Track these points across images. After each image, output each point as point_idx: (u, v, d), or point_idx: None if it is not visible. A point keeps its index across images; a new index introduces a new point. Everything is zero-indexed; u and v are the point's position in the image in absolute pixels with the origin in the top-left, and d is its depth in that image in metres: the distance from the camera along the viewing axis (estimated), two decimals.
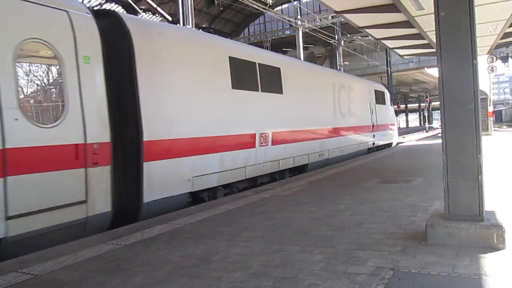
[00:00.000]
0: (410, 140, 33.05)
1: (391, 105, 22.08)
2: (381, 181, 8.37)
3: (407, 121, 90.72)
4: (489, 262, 3.40)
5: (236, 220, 5.68)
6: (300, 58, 24.39)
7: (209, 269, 3.71)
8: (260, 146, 9.64)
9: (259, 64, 9.98)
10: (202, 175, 7.73)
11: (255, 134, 9.47)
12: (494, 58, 22.65)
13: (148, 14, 36.41)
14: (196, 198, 7.78)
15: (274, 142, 10.22)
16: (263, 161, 9.75)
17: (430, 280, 3.14)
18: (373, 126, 17.94)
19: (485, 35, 11.80)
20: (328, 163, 13.30)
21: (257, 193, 7.94)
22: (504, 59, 22.80)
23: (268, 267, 3.64)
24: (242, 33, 51.25)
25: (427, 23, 9.54)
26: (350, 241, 4.28)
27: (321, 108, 13.49)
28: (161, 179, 6.83)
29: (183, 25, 13.55)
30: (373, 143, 18.30)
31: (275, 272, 3.51)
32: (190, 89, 7.74)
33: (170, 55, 7.42)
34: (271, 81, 10.54)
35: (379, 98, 19.37)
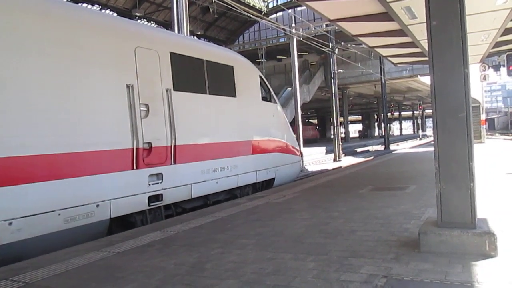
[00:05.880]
0: (404, 147, 33.22)
1: (270, 100, 11.09)
2: (375, 189, 8.39)
3: (400, 129, 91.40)
4: (482, 269, 3.41)
5: (230, 227, 5.67)
6: (294, 66, 24.45)
7: (202, 277, 3.69)
8: None
9: None
10: None
11: None
12: (486, 66, 22.84)
13: (143, 21, 36.53)
14: None
15: None
16: None
17: (423, 287, 3.14)
18: (149, 151, 6.95)
19: (477, 44, 11.93)
20: None
21: (251, 200, 7.93)
22: (496, 68, 22.94)
23: (261, 275, 3.63)
24: (237, 40, 51.50)
25: (420, 32, 9.63)
26: (344, 248, 4.28)
27: None
28: None
29: (178, 32, 13.55)
30: (153, 198, 7.05)
31: (268, 279, 3.50)
32: None
33: None
34: None
35: (204, 78, 8.43)
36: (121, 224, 6.63)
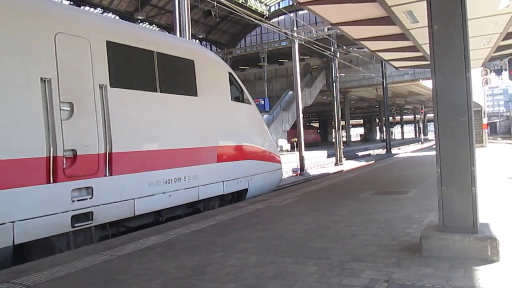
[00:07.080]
0: (406, 151, 33.20)
1: (242, 100, 9.78)
2: (376, 193, 8.38)
3: (402, 133, 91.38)
4: (483, 274, 3.40)
5: (231, 231, 5.66)
6: (296, 70, 24.51)
7: (203, 280, 3.68)
8: None
9: None
10: None
11: None
12: (488, 70, 22.85)
13: (145, 24, 36.65)
14: None
15: None
16: None
17: None
18: (73, 160, 5.67)
19: (479, 48, 11.93)
20: None
21: (252, 204, 7.92)
22: (498, 72, 22.92)
23: (262, 279, 3.62)
24: (239, 44, 51.62)
25: (422, 36, 9.64)
26: (345, 252, 4.27)
27: None
28: None
29: (180, 35, 13.58)
30: (81, 217, 5.74)
31: (269, 284, 3.49)
32: None
33: None
34: None
35: (154, 73, 7.11)
36: (40, 248, 5.40)
